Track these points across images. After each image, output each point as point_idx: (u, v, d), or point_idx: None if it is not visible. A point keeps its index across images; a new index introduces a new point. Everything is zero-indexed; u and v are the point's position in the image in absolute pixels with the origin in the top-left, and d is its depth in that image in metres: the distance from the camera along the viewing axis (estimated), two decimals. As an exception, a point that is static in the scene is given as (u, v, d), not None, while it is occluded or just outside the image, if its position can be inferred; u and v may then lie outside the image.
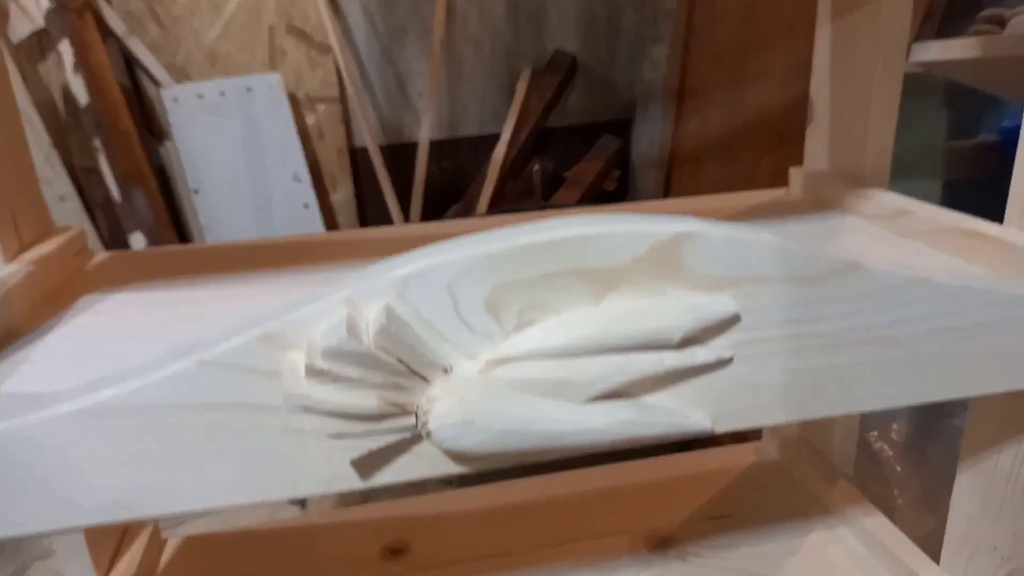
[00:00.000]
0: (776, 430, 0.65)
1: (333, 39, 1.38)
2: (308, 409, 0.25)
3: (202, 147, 1.30)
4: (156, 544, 0.57)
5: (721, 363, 0.30)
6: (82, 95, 1.19)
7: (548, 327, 0.27)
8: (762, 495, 0.60)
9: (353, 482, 0.28)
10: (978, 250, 0.39)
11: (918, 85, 0.97)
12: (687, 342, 0.29)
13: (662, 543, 0.56)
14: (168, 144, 1.33)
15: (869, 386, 0.32)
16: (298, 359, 0.25)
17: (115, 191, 1.23)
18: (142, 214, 1.23)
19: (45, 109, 1.25)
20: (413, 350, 0.26)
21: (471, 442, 0.27)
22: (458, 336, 0.27)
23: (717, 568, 0.53)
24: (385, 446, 0.27)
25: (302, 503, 1.00)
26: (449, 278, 0.27)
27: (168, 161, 1.35)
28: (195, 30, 1.33)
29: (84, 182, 1.27)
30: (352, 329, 0.25)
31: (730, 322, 0.29)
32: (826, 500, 0.58)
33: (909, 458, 0.88)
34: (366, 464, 0.28)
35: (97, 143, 1.21)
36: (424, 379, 0.27)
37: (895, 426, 0.90)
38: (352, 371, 0.25)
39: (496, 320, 0.27)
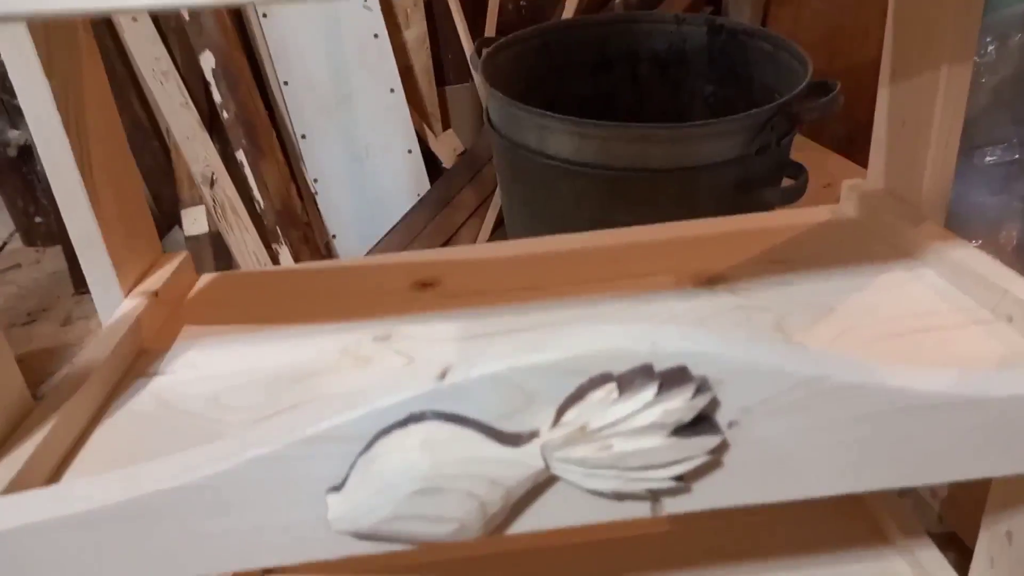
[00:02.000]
0: (855, 187, 0.57)
1: None
2: None
3: (269, -33, 1.26)
4: (187, 271, 0.56)
5: None
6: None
7: None
8: (833, 243, 0.53)
9: None
10: None
11: None
12: None
13: (711, 281, 0.50)
14: (236, -35, 1.30)
15: None
16: None
17: (184, 10, 1.21)
18: (212, 35, 1.21)
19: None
20: None
21: None
22: None
23: (770, 300, 0.47)
24: None
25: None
26: None
27: (237, -15, 1.32)
28: None
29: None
30: None
31: None
32: (907, 243, 0.50)
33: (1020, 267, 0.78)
34: None
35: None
36: None
37: (1003, 232, 0.80)
38: None
39: None
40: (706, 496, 0.34)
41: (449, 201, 1.30)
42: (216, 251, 1.31)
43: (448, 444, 0.31)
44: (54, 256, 1.52)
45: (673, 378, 0.31)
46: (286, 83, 1.26)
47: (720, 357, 0.31)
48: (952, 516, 0.73)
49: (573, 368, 0.31)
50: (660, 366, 0.31)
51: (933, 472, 0.35)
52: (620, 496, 0.33)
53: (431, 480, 0.30)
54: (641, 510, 0.34)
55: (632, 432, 0.30)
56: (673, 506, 0.34)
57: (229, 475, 0.32)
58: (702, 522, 0.60)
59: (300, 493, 0.32)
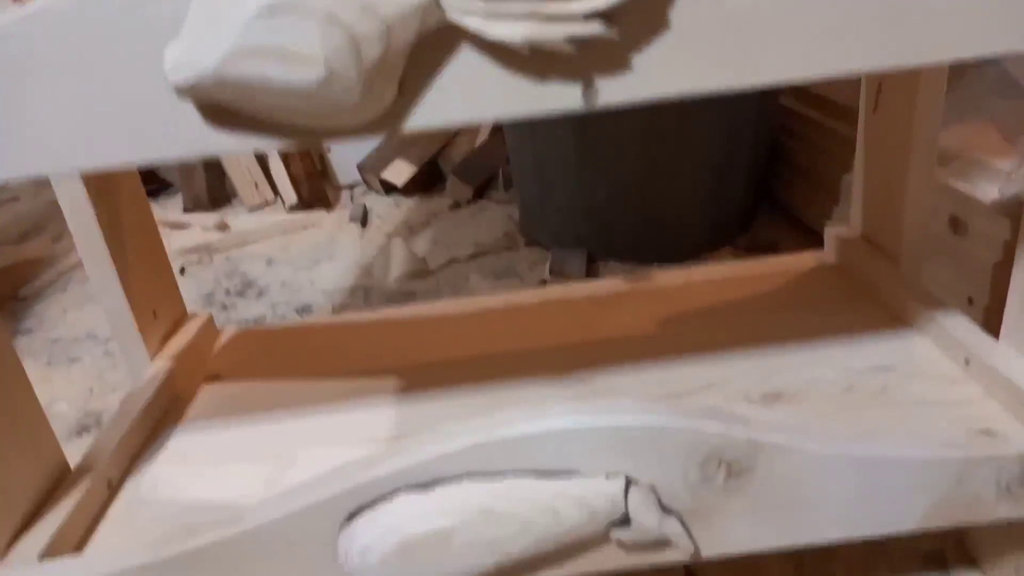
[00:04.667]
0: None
1: None
2: None
3: None
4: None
5: None
6: None
7: None
8: None
9: None
10: None
11: None
12: None
13: None
14: None
15: None
16: None
17: None
18: None
19: None
20: None
21: None
22: None
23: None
24: None
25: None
26: None
27: None
28: None
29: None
30: None
31: None
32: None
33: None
34: None
35: None
36: None
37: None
38: None
39: None
40: (652, 78, 0.27)
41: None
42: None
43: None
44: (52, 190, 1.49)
45: None
46: None
47: None
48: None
49: None
50: None
51: (934, 45, 0.27)
52: (540, 65, 0.26)
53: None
54: (571, 97, 0.27)
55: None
56: (611, 92, 0.27)
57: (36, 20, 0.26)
58: (699, 319, 0.52)
59: (133, 50, 0.26)
